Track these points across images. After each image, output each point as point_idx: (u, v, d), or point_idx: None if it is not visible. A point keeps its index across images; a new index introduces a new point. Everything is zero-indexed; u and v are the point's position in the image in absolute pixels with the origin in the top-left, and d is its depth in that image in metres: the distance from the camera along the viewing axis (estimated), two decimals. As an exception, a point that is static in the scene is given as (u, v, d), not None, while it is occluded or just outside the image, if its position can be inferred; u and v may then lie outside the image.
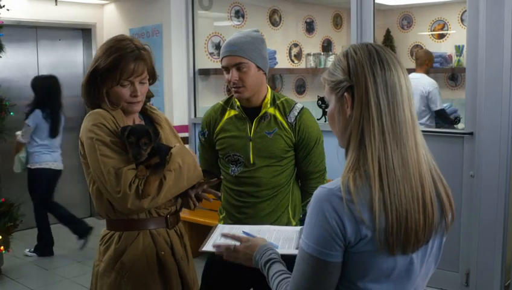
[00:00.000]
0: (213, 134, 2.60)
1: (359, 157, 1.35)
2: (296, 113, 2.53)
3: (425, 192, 1.36)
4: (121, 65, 2.01)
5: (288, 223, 2.54)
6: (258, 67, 2.48)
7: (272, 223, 2.44)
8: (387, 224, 1.31)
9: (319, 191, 1.36)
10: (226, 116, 2.59)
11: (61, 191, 6.65)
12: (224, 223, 2.53)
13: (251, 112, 2.54)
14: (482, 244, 3.87)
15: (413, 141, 1.36)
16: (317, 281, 1.36)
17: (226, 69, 2.48)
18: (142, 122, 2.19)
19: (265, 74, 2.54)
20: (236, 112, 2.56)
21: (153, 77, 2.17)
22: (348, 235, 1.31)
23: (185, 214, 5.15)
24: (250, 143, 2.50)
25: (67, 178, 6.58)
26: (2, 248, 4.84)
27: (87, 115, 2.09)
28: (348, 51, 1.43)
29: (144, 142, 1.99)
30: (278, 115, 2.53)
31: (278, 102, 2.56)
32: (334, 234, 1.31)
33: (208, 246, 2.07)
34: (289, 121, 2.52)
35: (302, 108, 2.58)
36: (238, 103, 2.55)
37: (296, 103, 2.59)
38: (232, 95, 2.57)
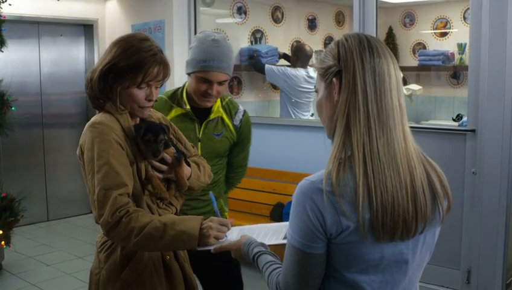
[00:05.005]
0: None
1: (345, 143, 1.35)
2: (241, 116, 2.68)
3: (415, 181, 1.35)
4: (145, 67, 1.90)
5: (221, 211, 2.68)
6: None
7: (205, 213, 2.43)
8: (371, 210, 1.30)
9: (301, 184, 1.37)
10: (173, 114, 2.60)
11: (61, 188, 6.67)
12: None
13: (200, 112, 2.58)
14: (484, 242, 3.87)
15: (400, 130, 1.35)
16: (302, 271, 1.39)
17: (208, 81, 2.48)
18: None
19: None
20: (183, 111, 2.59)
21: (166, 77, 2.06)
22: (329, 228, 1.32)
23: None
24: (199, 143, 2.59)
25: (67, 175, 6.60)
26: (3, 243, 4.84)
27: (90, 124, 1.93)
28: (339, 39, 1.44)
29: (160, 139, 1.98)
30: (224, 117, 2.64)
31: (223, 103, 2.66)
32: (314, 227, 1.33)
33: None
34: (235, 123, 2.66)
35: (244, 111, 2.74)
36: (188, 106, 2.57)
37: (239, 105, 2.73)
38: (177, 90, 2.66)
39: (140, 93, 1.95)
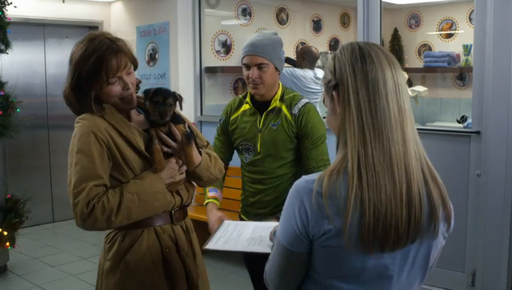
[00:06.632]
0: (228, 121, 2.89)
1: (345, 156, 1.34)
2: (300, 106, 2.74)
3: (411, 188, 1.31)
4: (103, 65, 1.94)
5: None
6: (275, 68, 2.73)
7: (274, 209, 2.72)
8: (362, 221, 1.27)
9: (297, 182, 1.38)
10: (242, 108, 2.85)
11: (66, 190, 6.67)
12: (242, 203, 2.92)
13: (262, 105, 2.77)
14: (488, 244, 3.85)
15: (399, 135, 1.32)
16: (283, 266, 1.42)
17: (247, 66, 2.71)
18: (141, 116, 2.15)
19: (279, 73, 2.79)
20: (249, 106, 2.82)
21: (134, 64, 2.09)
22: (311, 229, 1.33)
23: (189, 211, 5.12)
24: (259, 134, 2.76)
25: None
26: (7, 244, 4.86)
27: (76, 120, 2.01)
28: (336, 52, 1.44)
29: (169, 103, 2.03)
30: (283, 108, 2.75)
31: (286, 97, 2.79)
32: (297, 227, 1.34)
33: (211, 245, 2.09)
34: (293, 112, 2.73)
35: (307, 102, 2.77)
36: (248, 99, 2.82)
37: (302, 98, 2.80)
38: (247, 92, 2.86)
39: (115, 88, 2.00)
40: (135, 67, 2.09)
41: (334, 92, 1.40)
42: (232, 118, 2.86)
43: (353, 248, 1.29)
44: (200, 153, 2.16)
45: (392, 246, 1.31)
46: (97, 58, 1.94)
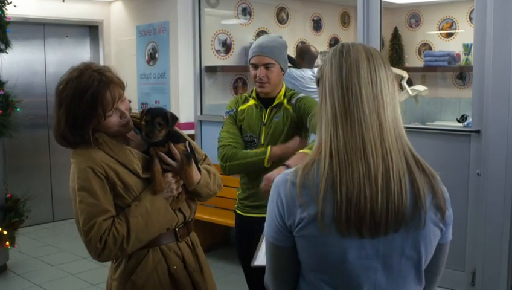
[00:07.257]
0: (237, 111, 3.04)
1: (320, 144, 1.38)
2: (298, 97, 2.94)
3: (389, 173, 1.31)
4: (98, 101, 1.90)
5: None
6: (281, 68, 2.92)
7: None
8: (335, 202, 1.29)
9: (278, 176, 1.42)
10: (248, 103, 3.03)
11: (66, 189, 6.68)
12: (239, 197, 3.01)
13: (266, 101, 2.96)
14: (489, 243, 3.85)
15: (375, 122, 1.34)
16: (272, 262, 1.46)
17: (255, 66, 2.89)
18: (138, 136, 2.14)
19: (284, 73, 2.98)
20: (255, 102, 2.99)
21: (123, 88, 2.04)
22: (286, 219, 1.35)
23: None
24: (263, 127, 2.94)
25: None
26: (7, 243, 4.86)
27: (71, 155, 2.01)
28: None
29: (158, 122, 2.00)
30: (285, 102, 2.96)
31: (287, 93, 3.00)
32: (276, 219, 1.38)
33: (259, 260, 2.06)
34: (292, 103, 2.93)
35: (305, 96, 2.98)
36: (254, 94, 3.00)
37: (301, 94, 3.00)
38: (253, 90, 3.02)
39: (113, 119, 1.98)
40: (124, 89, 2.04)
41: (318, 87, 1.46)
42: (240, 109, 3.02)
43: (329, 232, 1.31)
44: (199, 169, 2.15)
45: (370, 232, 1.31)
46: (91, 96, 1.90)
